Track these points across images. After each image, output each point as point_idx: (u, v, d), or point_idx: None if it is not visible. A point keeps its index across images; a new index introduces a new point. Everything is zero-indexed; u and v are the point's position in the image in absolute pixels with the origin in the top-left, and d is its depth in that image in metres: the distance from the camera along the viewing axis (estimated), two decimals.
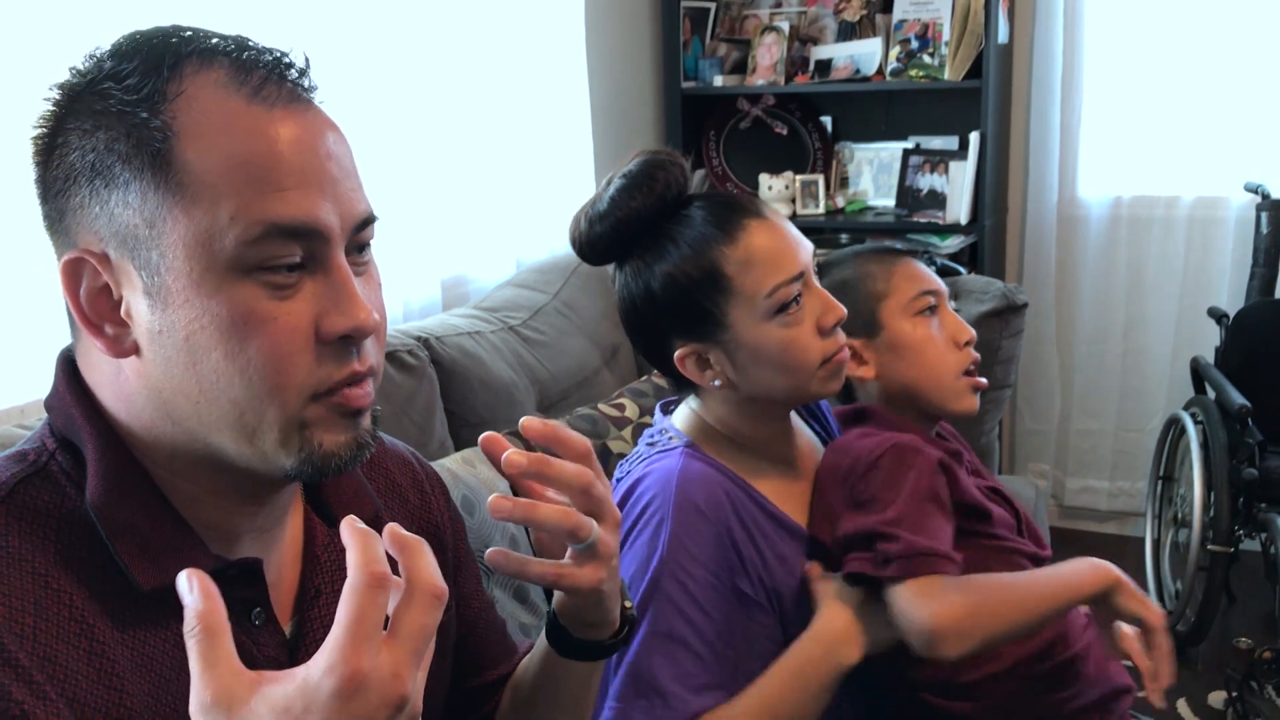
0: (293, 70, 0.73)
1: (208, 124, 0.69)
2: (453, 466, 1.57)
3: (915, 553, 1.12)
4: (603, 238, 1.20)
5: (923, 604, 1.11)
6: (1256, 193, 2.81)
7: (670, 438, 1.24)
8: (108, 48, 0.71)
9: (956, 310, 1.35)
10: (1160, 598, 2.87)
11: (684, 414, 1.27)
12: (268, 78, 0.71)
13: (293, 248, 0.70)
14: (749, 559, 1.17)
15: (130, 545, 0.71)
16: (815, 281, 1.20)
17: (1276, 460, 2.54)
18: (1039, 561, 1.27)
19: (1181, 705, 2.49)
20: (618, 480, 1.26)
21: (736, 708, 1.12)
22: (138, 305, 0.70)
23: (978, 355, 1.31)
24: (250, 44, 0.73)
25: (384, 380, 1.57)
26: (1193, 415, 2.74)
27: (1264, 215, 2.77)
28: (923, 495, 1.17)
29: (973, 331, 1.31)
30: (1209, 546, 2.52)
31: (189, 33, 0.72)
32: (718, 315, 1.17)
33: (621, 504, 1.19)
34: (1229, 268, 3.09)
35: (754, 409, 1.22)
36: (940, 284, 1.33)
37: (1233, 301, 2.96)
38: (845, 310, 1.20)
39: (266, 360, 0.70)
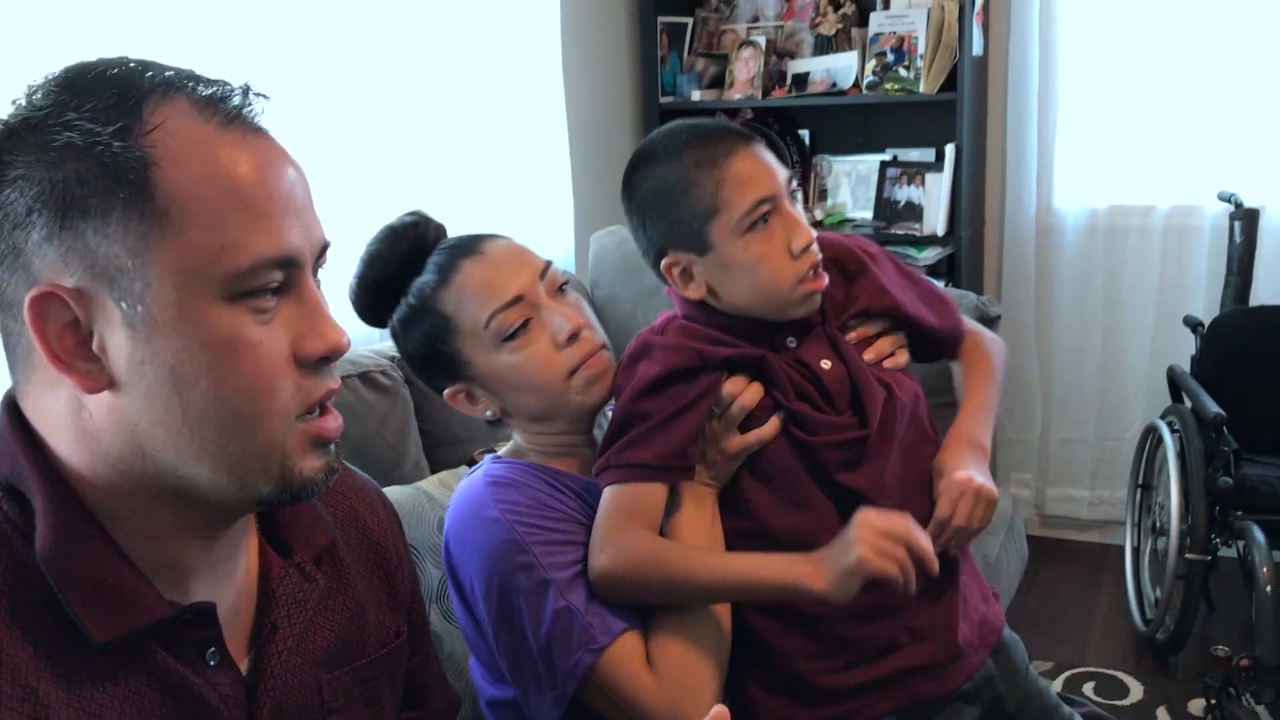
0: (249, 100, 0.74)
1: (185, 152, 0.69)
2: (429, 489, 1.56)
3: (606, 466, 1.17)
4: (364, 307, 1.25)
5: (596, 544, 1.15)
6: (1230, 202, 2.83)
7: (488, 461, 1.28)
8: (53, 82, 0.71)
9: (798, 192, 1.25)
10: (1140, 605, 2.88)
11: (509, 445, 1.31)
12: (232, 108, 0.73)
13: (276, 275, 0.72)
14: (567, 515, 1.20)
15: (83, 597, 0.70)
16: (543, 298, 1.20)
17: (1252, 468, 2.55)
18: (848, 441, 1.20)
19: (1161, 713, 2.51)
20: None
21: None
22: (113, 338, 0.70)
23: (817, 254, 1.20)
24: (201, 76, 0.73)
25: (357, 400, 1.60)
26: (1169, 424, 2.75)
27: (1237, 224, 2.79)
28: (634, 401, 1.18)
29: (810, 233, 1.19)
30: (1186, 555, 2.54)
31: (135, 64, 0.72)
32: (455, 355, 1.20)
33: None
34: (1204, 276, 3.11)
35: (546, 426, 1.25)
36: (779, 178, 1.19)
37: (1208, 310, 2.98)
38: (579, 322, 1.20)
39: (254, 385, 0.71)
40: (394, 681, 0.95)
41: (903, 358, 1.28)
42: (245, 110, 0.74)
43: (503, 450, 1.31)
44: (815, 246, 1.20)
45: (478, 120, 2.30)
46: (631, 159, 1.25)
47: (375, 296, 1.23)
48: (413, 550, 1.45)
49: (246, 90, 0.74)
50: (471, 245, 1.22)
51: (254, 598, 0.83)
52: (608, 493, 1.17)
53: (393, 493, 1.49)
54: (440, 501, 1.55)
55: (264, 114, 0.75)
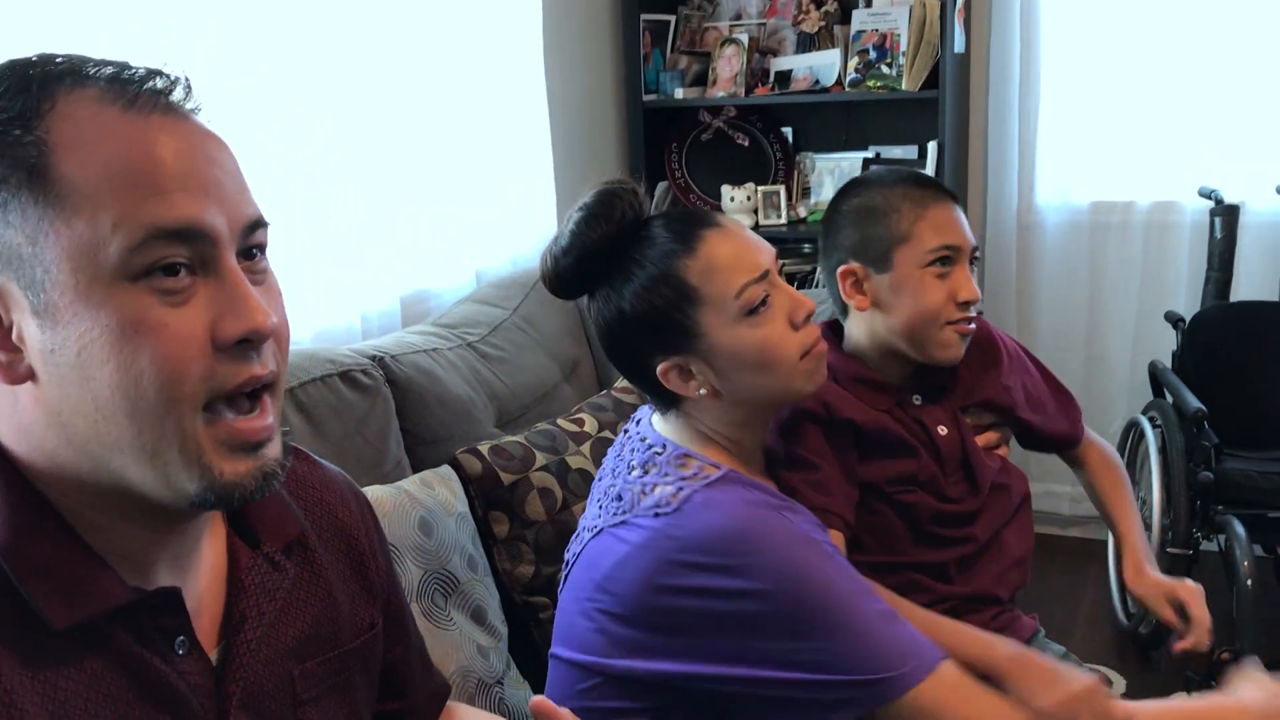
0: (168, 84, 0.73)
1: (83, 136, 0.69)
2: (411, 489, 1.55)
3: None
4: (570, 270, 1.23)
5: None
6: (1210, 198, 2.85)
7: (701, 468, 1.20)
8: None
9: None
10: (1123, 600, 2.89)
11: (673, 427, 1.27)
12: (141, 91, 0.71)
13: (178, 249, 0.69)
14: None
15: (41, 585, 0.70)
16: (781, 280, 1.23)
17: (1233, 463, 2.57)
18: (957, 512, 1.40)
19: None
20: (651, 494, 1.20)
21: None
22: (28, 327, 0.69)
23: (975, 316, 1.34)
24: (127, 64, 0.73)
25: (338, 400, 1.59)
26: (1151, 419, 2.77)
27: (1217, 220, 2.81)
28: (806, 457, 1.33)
29: (975, 293, 1.33)
30: (1168, 549, 2.55)
31: (61, 58, 0.72)
32: (690, 325, 1.19)
33: (690, 541, 1.14)
34: (1185, 272, 3.13)
35: (743, 415, 1.25)
36: (967, 238, 1.34)
37: (1189, 305, 3.00)
38: (814, 303, 1.23)
39: (161, 369, 0.69)
40: (369, 673, 0.95)
41: (1004, 451, 1.45)
42: (159, 94, 0.72)
43: (680, 436, 1.25)
44: (976, 310, 1.36)
45: (459, 118, 2.29)
46: (849, 181, 1.42)
47: (586, 260, 1.21)
48: (393, 549, 1.44)
49: (154, 74, 0.73)
50: (708, 217, 1.23)
51: (223, 588, 0.83)
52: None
53: (374, 492, 1.48)
54: (422, 501, 1.54)
55: (188, 97, 0.74)
